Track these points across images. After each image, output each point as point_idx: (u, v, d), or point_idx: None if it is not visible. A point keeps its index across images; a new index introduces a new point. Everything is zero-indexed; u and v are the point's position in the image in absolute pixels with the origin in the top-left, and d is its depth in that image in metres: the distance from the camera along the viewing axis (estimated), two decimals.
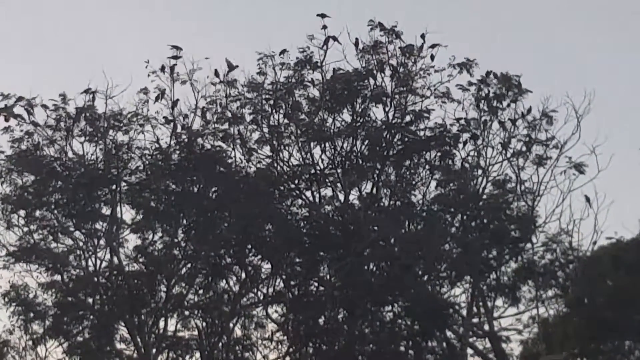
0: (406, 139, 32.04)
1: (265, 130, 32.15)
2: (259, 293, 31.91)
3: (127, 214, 32.00)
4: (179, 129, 32.02)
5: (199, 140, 31.92)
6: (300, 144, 32.05)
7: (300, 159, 32.18)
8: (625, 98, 51.93)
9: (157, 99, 31.95)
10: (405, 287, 30.37)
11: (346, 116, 32.06)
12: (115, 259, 31.67)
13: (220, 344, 31.62)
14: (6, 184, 31.92)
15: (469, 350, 31.61)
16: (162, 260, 31.38)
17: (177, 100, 31.94)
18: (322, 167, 32.09)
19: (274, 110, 32.05)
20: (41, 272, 31.77)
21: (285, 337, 31.49)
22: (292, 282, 31.69)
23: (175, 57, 31.75)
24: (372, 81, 31.83)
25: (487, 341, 31.77)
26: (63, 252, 31.85)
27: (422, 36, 31.62)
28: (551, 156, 32.10)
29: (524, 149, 32.21)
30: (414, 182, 32.36)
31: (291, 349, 31.19)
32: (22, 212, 31.79)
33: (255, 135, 32.29)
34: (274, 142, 32.09)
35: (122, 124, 31.90)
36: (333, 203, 32.29)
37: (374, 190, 32.20)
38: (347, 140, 31.90)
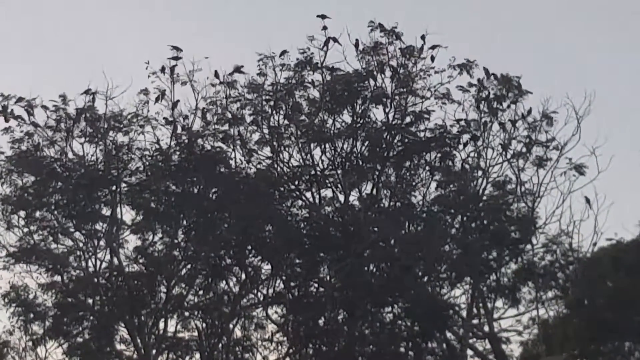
0: (406, 140, 32.05)
1: (266, 131, 32.19)
2: (259, 294, 31.95)
3: (127, 214, 32.15)
4: (179, 130, 32.05)
5: (199, 141, 31.93)
6: (300, 145, 32.07)
7: (301, 160, 32.24)
8: (625, 99, 51.93)
9: (157, 99, 32.00)
10: (405, 288, 30.38)
11: (346, 117, 32.17)
12: (115, 260, 31.70)
13: (220, 345, 31.65)
14: (6, 185, 32.03)
15: (469, 352, 31.63)
16: (162, 261, 31.40)
17: (178, 101, 32.07)
18: (322, 168, 32.11)
19: (274, 111, 32.08)
20: (41, 273, 31.88)
21: (285, 338, 31.53)
22: (292, 283, 31.71)
23: (176, 58, 31.80)
24: (372, 82, 31.86)
25: (487, 342, 31.77)
26: (63, 252, 31.88)
27: (422, 37, 31.67)
28: (551, 157, 32.19)
29: (524, 150, 32.24)
30: (414, 183, 32.38)
31: (291, 350, 31.21)
32: (22, 213, 31.84)
33: (256, 136, 32.42)
34: (274, 143, 32.11)
35: (122, 124, 31.94)
36: (333, 204, 32.31)
37: (374, 191, 32.20)
38: (347, 141, 31.92)
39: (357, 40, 31.64)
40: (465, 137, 32.27)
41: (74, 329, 31.80)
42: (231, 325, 31.73)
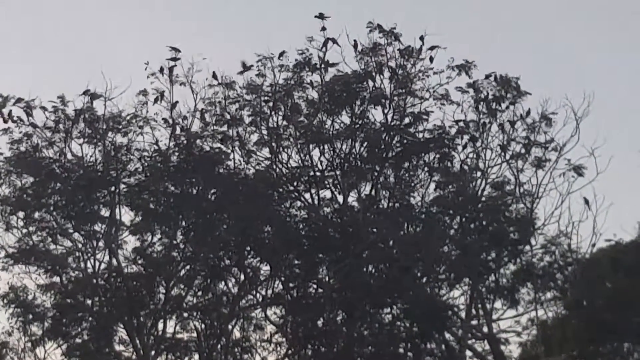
0: (405, 141, 32.05)
1: (264, 132, 32.21)
2: (258, 295, 31.96)
3: (126, 215, 32.15)
4: (178, 131, 32.04)
5: (198, 142, 31.91)
6: (299, 146, 32.08)
7: (299, 161, 32.24)
8: (624, 100, 51.91)
9: (156, 100, 32.00)
10: (404, 289, 30.38)
11: (345, 118, 32.21)
12: (114, 261, 31.69)
13: (219, 346, 31.65)
14: (5, 186, 32.01)
15: (468, 352, 31.65)
16: (161, 262, 31.39)
17: (176, 102, 32.08)
18: (321, 169, 32.10)
19: (272, 112, 32.08)
20: (40, 274, 31.82)
21: (284, 339, 31.55)
22: (291, 284, 31.72)
23: (174, 59, 31.82)
24: (371, 83, 31.87)
25: (485, 343, 31.78)
26: (62, 253, 31.86)
27: (421, 38, 31.69)
28: (550, 158, 32.21)
29: (523, 151, 32.25)
30: (412, 184, 32.38)
31: (290, 351, 31.22)
32: (21, 214, 31.82)
33: (254, 137, 32.43)
34: (273, 144, 32.12)
35: (121, 125, 31.94)
36: (332, 205, 32.31)
37: (373, 192, 32.21)
38: (346, 142, 31.93)
39: (355, 41, 31.69)
40: (464, 138, 32.26)
41: (73, 329, 31.78)
42: (230, 326, 31.74)
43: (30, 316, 32.10)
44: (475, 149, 32.33)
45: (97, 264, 31.67)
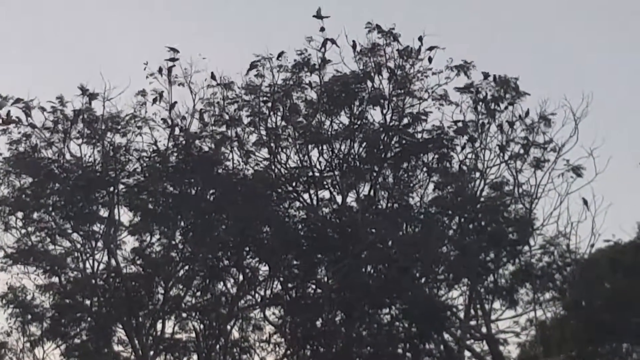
0: (404, 142, 32.05)
1: (263, 132, 32.20)
2: (257, 295, 31.96)
3: (125, 216, 32.13)
4: (176, 131, 32.04)
5: (197, 142, 31.91)
6: (297, 147, 32.08)
7: (298, 162, 32.23)
8: (623, 100, 51.97)
9: (154, 101, 32.00)
10: (402, 289, 30.38)
11: (344, 118, 32.22)
12: (113, 261, 31.69)
13: (217, 346, 31.66)
14: (4, 186, 32.04)
15: (467, 353, 31.68)
16: (159, 262, 31.38)
17: (175, 102, 32.08)
18: (319, 169, 32.10)
19: (271, 113, 32.09)
20: (39, 274, 31.84)
21: (282, 340, 31.54)
22: (290, 285, 31.71)
23: (172, 59, 31.82)
24: (369, 84, 31.86)
25: (484, 344, 31.79)
26: (61, 254, 31.85)
27: (420, 39, 31.71)
28: (549, 159, 32.22)
29: (521, 151, 32.25)
30: (411, 185, 32.38)
31: (289, 351, 31.22)
32: (19, 214, 31.83)
33: (253, 138, 32.42)
34: (272, 144, 32.13)
35: (119, 126, 31.94)
36: (330, 205, 32.29)
37: (372, 193, 32.20)
38: (345, 142, 31.93)
39: (354, 41, 31.71)
40: (463, 138, 32.26)
41: (71, 330, 31.78)
42: (229, 327, 31.73)
43: (29, 316, 32.16)
44: (474, 150, 32.34)
45: (95, 264, 31.72)
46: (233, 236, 31.02)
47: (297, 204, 32.26)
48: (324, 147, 31.94)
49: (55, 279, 31.83)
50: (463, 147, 32.28)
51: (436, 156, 32.06)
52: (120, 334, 31.55)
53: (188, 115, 32.12)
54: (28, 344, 32.50)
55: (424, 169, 32.24)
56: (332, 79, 31.81)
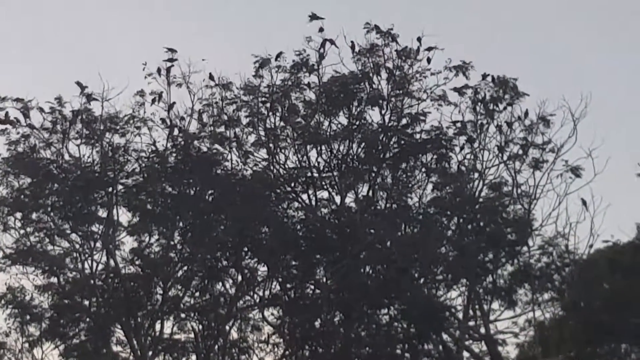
0: (402, 142, 32.05)
1: (262, 133, 32.19)
2: (255, 296, 31.92)
3: (124, 216, 32.09)
4: (175, 132, 32.04)
5: (195, 143, 31.92)
6: (296, 147, 32.09)
7: (297, 162, 32.23)
8: (621, 101, 51.92)
9: (153, 101, 32.01)
10: (401, 290, 30.37)
11: (342, 119, 32.17)
12: (112, 262, 31.64)
13: (216, 347, 31.62)
14: (3, 187, 32.01)
15: (465, 354, 31.70)
16: (158, 262, 31.34)
17: (174, 103, 32.08)
18: (318, 170, 32.08)
19: (270, 113, 32.08)
20: (37, 275, 31.81)
21: (281, 340, 31.51)
22: (288, 285, 31.68)
23: (171, 60, 31.83)
24: (368, 84, 31.85)
25: (483, 344, 31.81)
26: (59, 254, 31.82)
27: (419, 39, 31.72)
28: (547, 159, 32.22)
29: (520, 152, 32.24)
30: (410, 185, 32.38)
31: (287, 352, 31.21)
32: (18, 215, 31.80)
33: (252, 138, 32.41)
34: (270, 144, 32.13)
35: (118, 126, 31.92)
36: (329, 206, 32.29)
37: (370, 193, 32.20)
38: (344, 143, 31.92)
39: (352, 42, 31.72)
40: (462, 139, 32.27)
41: (70, 330, 31.75)
42: (227, 327, 31.68)
43: (28, 317, 32.10)
44: (472, 150, 32.34)
45: (94, 264, 31.62)
46: (232, 236, 31.00)
47: (296, 204, 32.25)
48: (323, 147, 31.94)
49: (54, 280, 31.80)
50: (462, 148, 32.31)
51: (435, 157, 32.06)
52: (119, 335, 31.54)
53: (187, 116, 32.16)
54: (27, 345, 32.41)
55: (423, 170, 32.24)
56: (330, 80, 31.81)
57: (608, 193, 31.90)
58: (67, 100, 31.82)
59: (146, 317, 31.41)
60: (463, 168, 32.38)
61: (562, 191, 31.87)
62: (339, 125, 32.04)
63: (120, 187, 31.89)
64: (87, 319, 31.58)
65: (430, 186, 32.29)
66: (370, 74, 31.83)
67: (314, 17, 31.51)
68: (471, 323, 31.86)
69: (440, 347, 31.12)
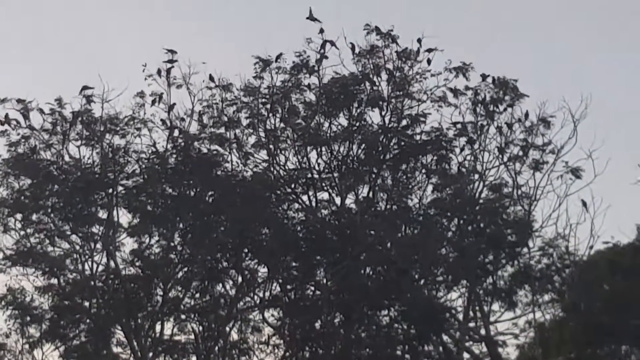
0: (402, 143, 32.07)
1: (262, 134, 32.19)
2: (256, 297, 31.94)
3: (124, 217, 32.13)
4: (175, 133, 32.04)
5: (196, 144, 31.91)
6: (296, 148, 32.11)
7: (297, 163, 32.25)
8: (621, 102, 51.86)
9: (153, 102, 32.00)
10: (401, 291, 30.38)
11: (342, 120, 32.19)
12: (112, 263, 31.68)
13: (216, 348, 31.64)
14: (3, 188, 32.06)
15: (466, 355, 31.70)
16: (158, 264, 31.37)
17: (174, 104, 32.10)
18: (318, 171, 32.10)
19: (270, 114, 32.08)
20: (38, 276, 31.86)
21: (281, 341, 31.54)
22: (289, 286, 31.70)
23: (171, 61, 31.84)
24: (368, 85, 31.86)
25: (483, 345, 31.78)
26: (60, 255, 31.86)
27: (419, 40, 31.76)
28: (548, 161, 32.24)
29: (520, 153, 32.24)
30: (410, 186, 32.39)
31: (287, 353, 31.23)
32: (18, 216, 31.85)
33: (252, 140, 32.41)
34: (271, 146, 32.14)
35: (118, 127, 31.93)
36: (329, 207, 32.30)
37: (371, 194, 32.21)
38: (344, 144, 31.93)
39: (352, 44, 31.71)
40: (462, 140, 32.28)
41: (70, 331, 31.80)
42: (227, 328, 31.72)
43: (28, 318, 32.11)
44: (472, 151, 32.35)
45: (94, 266, 31.69)
46: (232, 238, 31.01)
47: (296, 205, 32.27)
48: (323, 148, 31.95)
49: (54, 281, 31.84)
50: (462, 149, 32.32)
51: (435, 158, 32.09)
52: (119, 336, 31.59)
53: (187, 117, 32.15)
54: (27, 346, 32.42)
55: (423, 171, 32.26)
56: (330, 81, 31.83)
57: (608, 194, 31.95)
58: (67, 101, 31.95)
59: (146, 318, 31.43)
60: (463, 169, 32.39)
61: (562, 192, 31.95)
62: (339, 127, 32.07)
63: (120, 188, 31.94)
64: (88, 320, 31.62)
65: (430, 187, 32.42)
66: (371, 76, 31.84)
67: (311, 18, 31.48)
68: (471, 324, 31.86)
69: (441, 348, 31.12)
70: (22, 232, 31.78)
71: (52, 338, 31.92)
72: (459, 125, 32.25)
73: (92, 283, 31.56)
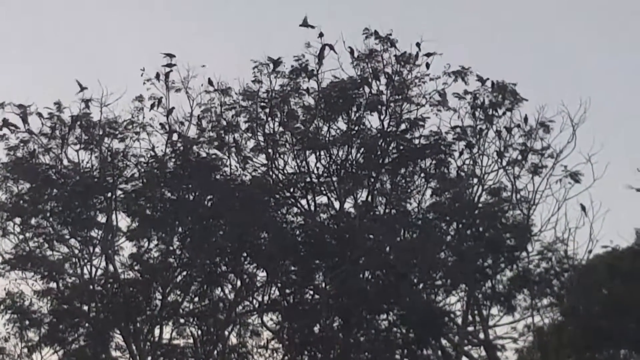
0: (401, 147, 32.08)
1: (261, 138, 32.21)
2: (254, 301, 31.92)
3: (123, 221, 32.14)
4: (174, 137, 32.06)
5: (194, 148, 31.92)
6: (295, 152, 32.12)
7: (296, 167, 32.27)
8: (621, 105, 51.79)
9: (152, 106, 32.01)
10: (400, 295, 30.39)
11: (341, 124, 32.20)
12: (111, 267, 31.71)
13: (215, 352, 31.64)
14: (2, 192, 32.07)
15: (464, 359, 31.66)
16: (157, 268, 31.39)
17: (173, 108, 32.11)
18: (317, 175, 32.09)
19: (269, 119, 32.09)
20: (37, 280, 31.84)
21: (280, 345, 31.53)
22: (288, 290, 31.70)
23: (169, 65, 31.87)
24: (367, 89, 31.88)
25: (482, 349, 31.77)
26: (58, 259, 31.89)
27: (418, 45, 31.74)
28: (547, 165, 32.25)
29: (519, 157, 32.25)
30: (409, 190, 32.39)
31: (286, 357, 31.23)
32: (17, 220, 31.89)
33: (251, 144, 32.43)
34: (269, 150, 32.14)
35: (117, 131, 31.95)
36: (328, 211, 32.30)
37: (369, 199, 32.22)
38: (343, 148, 31.94)
39: (351, 48, 31.72)
40: (461, 144, 32.31)
41: (69, 335, 31.82)
42: (226, 332, 31.71)
43: (27, 322, 32.10)
44: (471, 156, 32.35)
45: (93, 270, 31.73)
46: (231, 242, 31.01)
47: (295, 209, 32.28)
48: (322, 152, 31.97)
49: (53, 285, 31.83)
50: (461, 153, 32.34)
51: (434, 162, 32.10)
52: (118, 340, 31.58)
53: (186, 121, 32.18)
54: (26, 350, 32.37)
55: (422, 175, 32.26)
56: (329, 85, 31.84)
57: (607, 198, 31.88)
58: (66, 105, 31.99)
59: (145, 322, 31.43)
60: (462, 173, 32.40)
61: (561, 196, 31.96)
62: (338, 131, 32.09)
63: (119, 192, 31.96)
64: (86, 324, 31.64)
65: (429, 191, 32.39)
66: (369, 80, 31.84)
67: (305, 25, 31.48)
68: (470, 328, 31.84)
69: (439, 352, 31.14)
70: (21, 236, 31.82)
71: (51, 342, 31.91)
72: (458, 130, 32.25)
73: (91, 287, 31.57)
